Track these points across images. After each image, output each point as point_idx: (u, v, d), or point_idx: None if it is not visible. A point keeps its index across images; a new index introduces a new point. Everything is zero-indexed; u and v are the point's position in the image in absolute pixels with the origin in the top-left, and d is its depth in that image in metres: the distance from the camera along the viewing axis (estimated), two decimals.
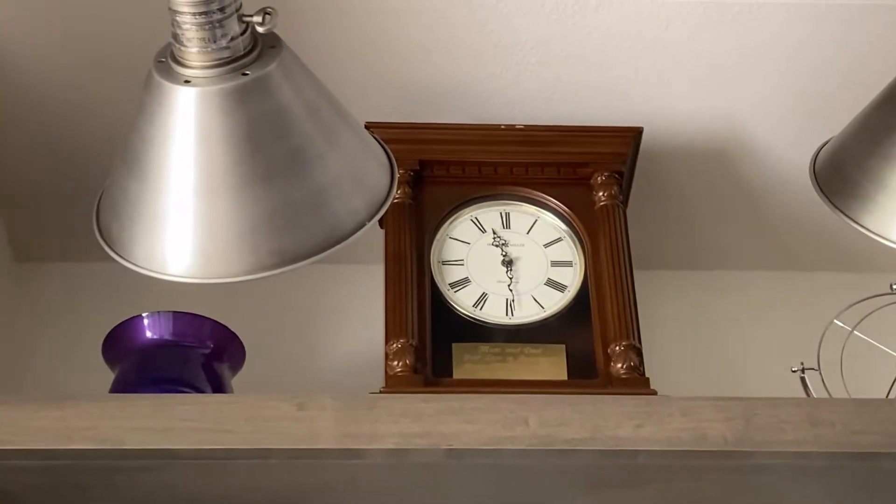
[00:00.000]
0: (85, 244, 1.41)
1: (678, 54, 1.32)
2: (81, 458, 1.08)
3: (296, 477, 1.12)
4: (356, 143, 0.95)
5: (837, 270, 1.49)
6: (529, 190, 1.32)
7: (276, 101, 0.90)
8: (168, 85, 0.89)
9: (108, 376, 1.26)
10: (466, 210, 1.31)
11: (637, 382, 1.20)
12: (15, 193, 1.42)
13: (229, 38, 0.88)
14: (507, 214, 1.31)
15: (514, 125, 1.34)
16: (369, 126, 1.22)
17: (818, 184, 1.07)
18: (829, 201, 1.05)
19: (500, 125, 1.34)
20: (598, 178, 1.32)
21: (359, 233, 0.92)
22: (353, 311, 1.45)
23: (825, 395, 1.25)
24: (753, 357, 1.45)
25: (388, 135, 1.21)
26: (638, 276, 1.28)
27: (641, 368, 1.22)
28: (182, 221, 0.91)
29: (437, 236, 1.29)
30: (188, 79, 0.89)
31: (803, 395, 1.26)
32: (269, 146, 0.90)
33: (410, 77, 1.33)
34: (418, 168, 1.31)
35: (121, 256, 0.94)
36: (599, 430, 1.10)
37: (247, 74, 0.89)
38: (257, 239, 0.91)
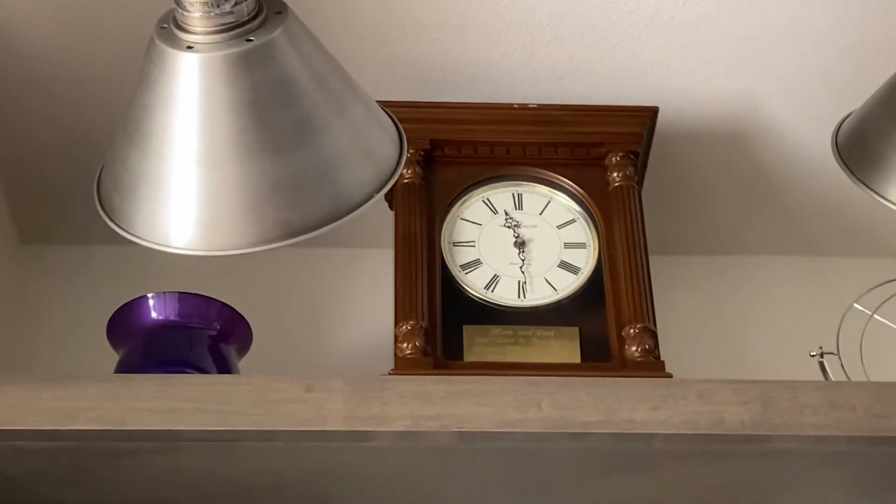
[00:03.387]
0: (90, 226, 1.40)
1: (696, 33, 1.30)
2: (85, 439, 1.06)
3: (304, 460, 1.10)
4: (364, 113, 0.93)
5: (857, 255, 1.47)
6: (542, 170, 1.30)
7: (281, 69, 0.88)
8: (170, 51, 0.87)
9: (113, 358, 1.25)
10: (478, 191, 1.29)
11: (652, 366, 1.18)
12: (20, 175, 1.40)
13: (233, 2, 0.86)
14: (520, 195, 1.29)
15: (527, 104, 1.32)
16: (379, 105, 1.20)
17: (840, 156, 1.04)
18: (853, 174, 1.02)
19: (512, 104, 1.32)
20: (613, 159, 1.29)
21: (366, 205, 0.90)
22: (361, 295, 1.43)
23: (844, 379, 1.23)
24: (771, 342, 1.43)
25: (399, 114, 1.16)
26: (653, 261, 1.26)
27: (656, 352, 1.19)
28: (185, 192, 0.89)
29: (448, 217, 1.27)
30: (191, 45, 0.87)
31: (822, 379, 1.24)
32: (274, 115, 0.88)
33: (422, 55, 1.31)
34: (429, 148, 1.29)
35: (122, 228, 0.91)
36: (614, 414, 1.08)
37: (251, 40, 0.87)
38: (262, 210, 0.89)
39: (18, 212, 1.44)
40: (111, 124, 1.31)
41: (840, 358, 1.24)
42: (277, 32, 0.87)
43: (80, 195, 1.39)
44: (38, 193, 1.42)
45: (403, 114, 1.21)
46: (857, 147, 1.04)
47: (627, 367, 1.18)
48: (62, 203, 1.43)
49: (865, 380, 1.22)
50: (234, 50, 0.86)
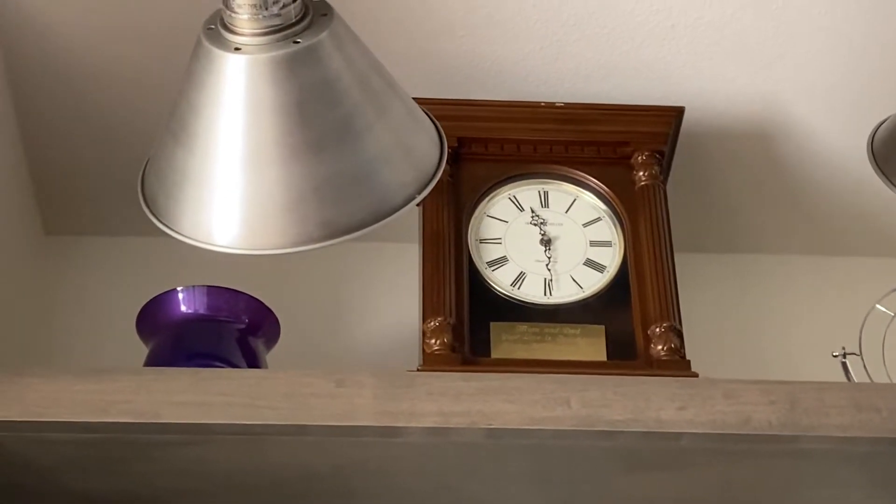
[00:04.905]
0: (115, 217, 1.43)
1: (721, 33, 1.31)
2: (117, 431, 1.07)
3: (332, 454, 1.11)
4: (406, 115, 0.94)
5: (880, 255, 1.48)
6: (568, 169, 1.31)
7: (326, 71, 0.88)
8: (218, 52, 0.88)
9: (140, 351, 1.25)
10: (505, 188, 1.30)
11: (678, 365, 1.19)
12: (46, 167, 1.41)
13: (281, 4, 0.86)
14: (546, 193, 1.30)
15: (554, 103, 1.33)
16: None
17: (876, 162, 1.05)
18: (889, 180, 1.03)
19: (539, 103, 1.33)
20: (639, 158, 1.30)
21: (408, 206, 0.91)
22: (385, 289, 1.43)
23: (867, 380, 1.24)
24: (794, 342, 1.43)
25: (428, 111, 1.19)
26: (678, 259, 1.27)
27: (682, 351, 1.20)
28: (229, 192, 0.89)
29: (475, 214, 1.28)
30: (238, 46, 0.87)
31: (845, 380, 1.24)
32: (318, 116, 0.88)
33: (450, 53, 1.32)
34: (457, 145, 1.30)
35: (167, 226, 0.92)
36: (641, 412, 1.09)
37: (298, 42, 0.87)
38: (305, 210, 0.89)
39: (44, 203, 1.44)
40: (137, 117, 1.34)
41: (863, 359, 1.25)
42: (324, 35, 0.88)
43: (105, 186, 1.41)
44: (64, 185, 1.43)
45: (431, 111, 1.22)
46: (893, 153, 1.05)
47: (653, 366, 1.19)
48: (87, 194, 1.43)
49: (888, 381, 1.23)
50: (281, 52, 0.87)
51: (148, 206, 0.94)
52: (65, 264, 1.46)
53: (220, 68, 0.87)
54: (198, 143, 0.89)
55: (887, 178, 1.04)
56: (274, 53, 0.87)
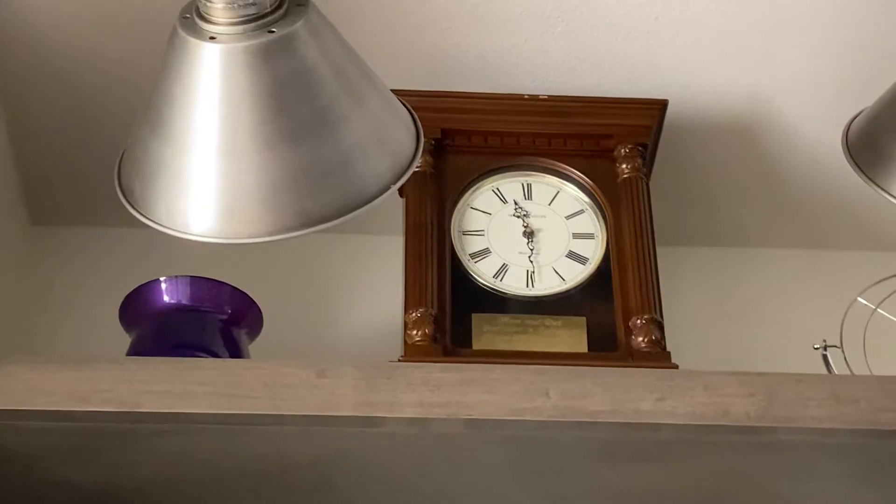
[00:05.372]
0: (102, 208, 1.43)
1: (706, 26, 1.31)
2: (98, 420, 1.07)
3: (313, 444, 1.11)
4: (382, 106, 0.94)
5: (861, 249, 1.48)
6: (552, 161, 1.31)
7: (301, 60, 0.89)
8: (193, 41, 0.88)
9: (125, 341, 1.26)
10: (488, 180, 1.30)
11: (658, 356, 1.19)
12: (33, 157, 1.41)
13: None
14: (529, 185, 1.30)
15: (538, 95, 1.33)
16: (396, 96, 1.21)
17: (850, 154, 1.05)
18: (863, 172, 1.03)
19: (523, 95, 1.33)
20: (622, 151, 1.31)
21: (383, 196, 0.91)
22: (370, 281, 1.44)
23: (847, 372, 1.24)
24: (775, 334, 1.44)
25: (410, 103, 1.17)
26: (660, 252, 1.27)
27: (663, 342, 1.21)
28: (205, 181, 0.90)
29: (459, 206, 1.28)
30: (213, 35, 0.87)
31: (825, 372, 1.25)
32: (294, 106, 0.89)
33: (434, 45, 1.32)
34: (440, 137, 1.30)
35: (143, 215, 0.92)
36: (621, 403, 1.09)
37: (273, 32, 0.88)
38: (281, 200, 0.90)
39: (31, 194, 1.44)
40: (124, 107, 1.34)
41: (843, 351, 1.25)
42: (299, 24, 0.88)
43: (92, 177, 1.41)
44: (51, 175, 1.43)
45: (414, 102, 1.22)
46: (867, 145, 1.05)
47: (634, 358, 1.19)
48: (74, 185, 1.43)
49: (868, 373, 1.23)
50: (256, 41, 0.87)
51: (124, 195, 0.94)
52: (52, 254, 1.47)
53: (195, 57, 0.88)
54: (173, 133, 0.89)
55: (861, 169, 1.04)
56: (249, 43, 0.87)
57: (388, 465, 1.15)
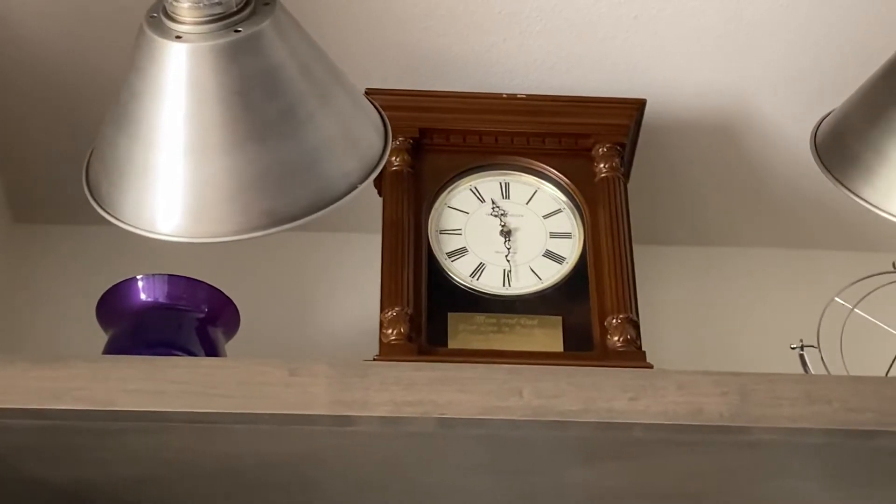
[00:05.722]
0: (83, 207, 1.40)
1: (684, 26, 1.31)
2: (72, 418, 1.07)
3: (287, 442, 1.11)
4: (350, 105, 0.94)
5: (840, 249, 1.48)
6: (530, 160, 1.31)
7: (268, 60, 0.89)
8: (159, 40, 0.88)
9: (103, 339, 1.26)
10: (466, 179, 1.30)
11: (633, 356, 1.19)
12: (14, 155, 1.41)
13: None
14: (507, 185, 1.30)
15: (516, 94, 1.33)
16: (369, 92, 1.21)
17: (818, 155, 1.05)
18: (829, 173, 1.04)
19: (501, 94, 1.33)
20: (600, 150, 1.30)
21: (350, 195, 0.92)
22: (348, 281, 1.44)
23: (824, 372, 1.24)
24: (753, 334, 1.44)
25: (388, 102, 1.19)
26: (638, 251, 1.27)
27: (638, 342, 1.20)
28: (172, 180, 0.90)
29: (436, 205, 1.28)
30: (179, 34, 0.88)
31: (802, 372, 1.25)
32: (260, 105, 0.89)
33: (412, 44, 1.32)
34: (418, 136, 1.30)
35: (109, 213, 0.93)
36: (593, 403, 1.08)
37: (239, 31, 0.88)
38: (248, 198, 0.90)
39: (12, 191, 1.44)
40: (105, 106, 1.33)
41: (820, 351, 1.25)
42: (265, 24, 0.89)
43: (73, 175, 1.38)
44: (32, 173, 1.43)
45: (392, 101, 1.24)
46: (834, 146, 1.05)
47: (609, 357, 1.19)
48: (55, 183, 1.43)
49: (845, 373, 1.23)
50: (222, 40, 0.88)
51: (91, 194, 0.94)
52: (34, 253, 1.47)
53: (162, 56, 0.88)
54: (140, 132, 0.90)
55: (828, 170, 1.04)
56: (215, 42, 0.88)
57: (363, 463, 1.15)
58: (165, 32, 0.88)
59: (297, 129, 0.90)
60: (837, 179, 1.03)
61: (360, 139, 0.94)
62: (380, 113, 0.97)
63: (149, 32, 0.89)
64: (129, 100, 0.90)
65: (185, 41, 0.88)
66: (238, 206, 0.90)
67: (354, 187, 0.92)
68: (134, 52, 0.90)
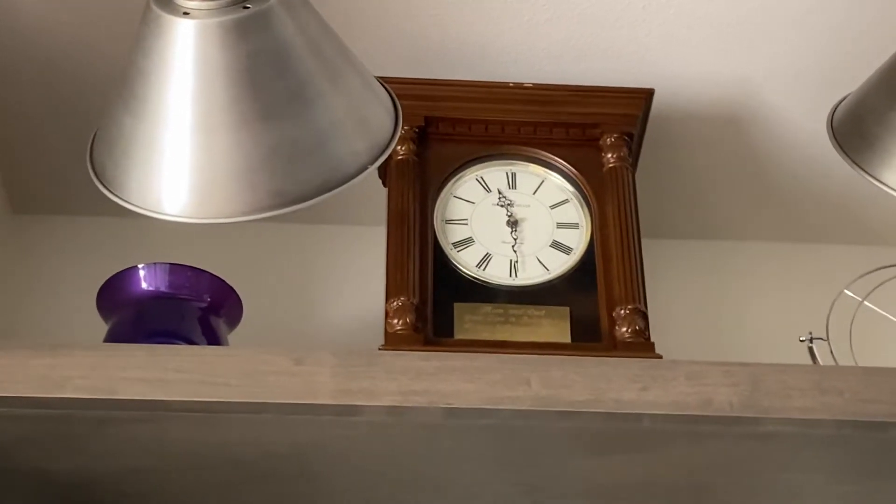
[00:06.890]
0: (84, 196, 1.41)
1: (693, 16, 1.30)
2: (73, 407, 1.06)
3: (291, 432, 1.10)
4: (360, 85, 0.93)
5: (849, 243, 1.47)
6: (536, 150, 1.30)
7: (276, 37, 0.87)
8: (166, 17, 0.86)
9: (104, 328, 1.24)
10: (472, 169, 1.29)
11: (642, 346, 1.18)
12: (13, 145, 1.40)
13: None
14: (514, 174, 1.29)
15: (523, 84, 1.32)
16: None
17: (836, 139, 1.04)
18: (848, 156, 1.02)
19: (508, 83, 1.32)
20: (607, 140, 1.29)
21: (360, 176, 0.90)
22: (353, 271, 1.43)
23: (833, 364, 1.23)
24: (762, 328, 1.43)
25: (395, 90, 1.16)
26: (646, 244, 1.26)
27: (647, 333, 1.19)
28: (178, 159, 0.88)
29: (442, 195, 1.27)
30: (187, 11, 0.86)
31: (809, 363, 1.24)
32: (269, 83, 0.87)
33: (418, 32, 1.31)
34: (424, 125, 1.29)
35: (114, 193, 0.91)
36: (602, 393, 1.07)
37: (248, 7, 0.86)
38: (256, 179, 0.88)
39: (11, 181, 1.43)
40: (105, 94, 1.32)
41: (829, 343, 1.24)
42: (274, 0, 0.87)
43: (73, 165, 1.38)
44: (32, 163, 1.42)
45: (399, 90, 1.21)
46: (853, 130, 1.04)
47: (617, 348, 1.18)
48: (55, 173, 1.42)
49: (853, 365, 1.22)
50: (231, 17, 0.86)
51: (96, 175, 0.92)
52: (33, 243, 1.46)
53: (169, 33, 0.86)
54: (146, 110, 0.88)
55: (847, 154, 1.02)
56: (223, 18, 0.86)
57: (368, 453, 1.13)
58: (173, 9, 0.87)
59: (306, 109, 0.88)
60: (857, 163, 1.02)
61: (371, 120, 0.92)
62: (390, 94, 0.96)
63: (156, 9, 0.87)
64: (135, 77, 0.89)
65: (193, 17, 0.86)
66: (246, 186, 0.88)
67: (364, 168, 0.90)
68: (140, 28, 0.89)
